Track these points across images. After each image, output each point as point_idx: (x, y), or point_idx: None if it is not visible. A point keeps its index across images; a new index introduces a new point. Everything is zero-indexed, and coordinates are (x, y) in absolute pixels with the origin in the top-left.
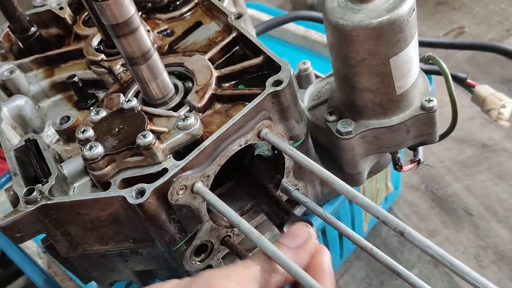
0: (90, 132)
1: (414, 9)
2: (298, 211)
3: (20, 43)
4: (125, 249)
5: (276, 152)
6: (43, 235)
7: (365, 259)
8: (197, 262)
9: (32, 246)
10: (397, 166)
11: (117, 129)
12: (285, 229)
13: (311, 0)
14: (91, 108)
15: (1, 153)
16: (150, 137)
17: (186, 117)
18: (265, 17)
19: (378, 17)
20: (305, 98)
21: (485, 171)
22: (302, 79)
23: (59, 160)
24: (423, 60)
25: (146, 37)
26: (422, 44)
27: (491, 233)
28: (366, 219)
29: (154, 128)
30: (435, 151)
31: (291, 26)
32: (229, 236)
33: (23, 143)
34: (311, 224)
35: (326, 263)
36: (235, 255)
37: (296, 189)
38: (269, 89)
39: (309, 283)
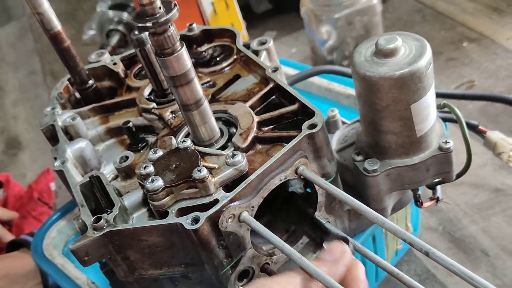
0: (151, 168)
1: (431, 63)
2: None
3: (77, 94)
4: (177, 273)
5: (308, 190)
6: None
7: None
8: (240, 287)
9: (82, 277)
10: (418, 202)
11: (174, 165)
12: (324, 245)
13: (331, 57)
14: (141, 150)
15: (43, 198)
16: (204, 172)
17: (234, 155)
18: (290, 71)
19: (400, 70)
20: (333, 142)
21: (499, 214)
22: (330, 125)
23: (118, 194)
24: (439, 107)
25: (199, 87)
26: (436, 95)
27: (508, 271)
28: (387, 258)
29: (206, 164)
30: (451, 195)
31: (316, 79)
32: (268, 263)
33: (88, 179)
34: (347, 242)
35: (361, 274)
36: None
37: (327, 221)
38: (305, 131)
39: None
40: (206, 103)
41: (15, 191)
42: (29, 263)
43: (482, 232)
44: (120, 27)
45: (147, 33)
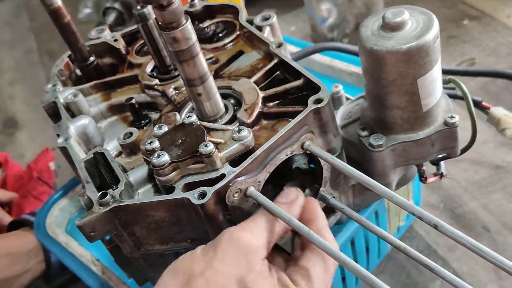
0: (157, 143)
1: (438, 37)
2: (333, 219)
3: (77, 71)
4: (182, 248)
5: (312, 165)
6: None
7: (389, 272)
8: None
9: (86, 255)
10: (422, 178)
11: (180, 141)
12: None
13: (331, 34)
14: (145, 127)
15: (43, 178)
16: (211, 147)
17: (240, 129)
18: (292, 48)
19: (407, 43)
20: (337, 118)
21: (500, 191)
22: (334, 101)
23: (123, 170)
24: (444, 82)
25: (204, 62)
26: None
27: (508, 247)
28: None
29: (212, 139)
30: (452, 172)
31: (318, 57)
32: None
33: (92, 155)
34: (304, 190)
35: (317, 207)
36: None
37: (332, 197)
38: (311, 106)
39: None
40: (211, 78)
41: (14, 171)
42: (31, 241)
43: (483, 209)
44: (117, 5)
45: (149, 8)
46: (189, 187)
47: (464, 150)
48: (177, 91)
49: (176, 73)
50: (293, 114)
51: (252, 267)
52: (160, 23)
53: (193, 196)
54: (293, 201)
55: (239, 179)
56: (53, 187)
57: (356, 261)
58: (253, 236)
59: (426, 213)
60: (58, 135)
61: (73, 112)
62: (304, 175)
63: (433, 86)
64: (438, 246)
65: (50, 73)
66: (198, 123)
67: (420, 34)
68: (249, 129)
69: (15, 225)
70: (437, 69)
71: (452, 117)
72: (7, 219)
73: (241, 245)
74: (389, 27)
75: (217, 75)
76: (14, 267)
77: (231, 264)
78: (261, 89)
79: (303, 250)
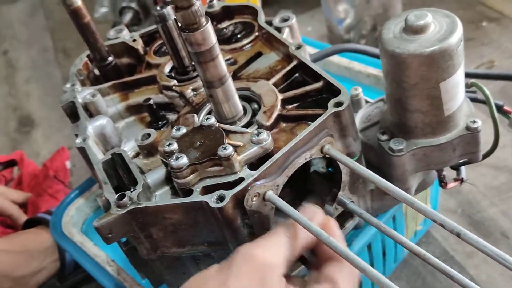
0: (175, 145)
1: (461, 40)
2: (350, 223)
3: (96, 71)
4: (199, 252)
5: (329, 169)
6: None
7: (405, 278)
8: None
9: (101, 255)
10: (442, 183)
11: (199, 143)
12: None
13: (348, 35)
14: (162, 128)
15: (59, 176)
16: (230, 149)
17: (259, 132)
18: (310, 49)
19: (430, 46)
20: (356, 121)
21: None
22: (353, 104)
23: (141, 172)
24: (466, 86)
25: (223, 64)
26: None
27: None
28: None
29: (231, 142)
30: (471, 177)
31: (335, 58)
32: None
33: (110, 156)
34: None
35: (335, 228)
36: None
37: (351, 201)
38: (331, 109)
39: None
40: (230, 80)
41: (29, 169)
42: (47, 239)
43: (501, 215)
44: (133, 5)
45: (169, 8)
46: (207, 190)
47: (486, 156)
48: (195, 92)
49: (195, 74)
50: (313, 117)
51: (269, 284)
52: (180, 24)
53: (211, 199)
54: (311, 218)
55: (257, 182)
56: (69, 186)
57: (373, 266)
58: (269, 252)
59: (448, 221)
60: (76, 135)
61: (91, 112)
62: (322, 179)
63: (455, 90)
64: (456, 253)
65: (65, 71)
66: (217, 125)
67: (443, 38)
68: (268, 132)
69: (31, 223)
70: (460, 72)
71: (474, 121)
72: (24, 218)
73: (257, 262)
74: (412, 30)
75: (235, 77)
76: (30, 264)
77: (246, 282)
78: (279, 91)
79: (322, 263)
